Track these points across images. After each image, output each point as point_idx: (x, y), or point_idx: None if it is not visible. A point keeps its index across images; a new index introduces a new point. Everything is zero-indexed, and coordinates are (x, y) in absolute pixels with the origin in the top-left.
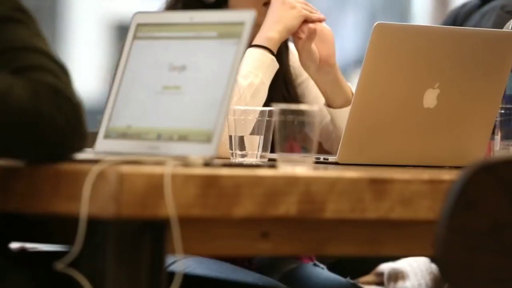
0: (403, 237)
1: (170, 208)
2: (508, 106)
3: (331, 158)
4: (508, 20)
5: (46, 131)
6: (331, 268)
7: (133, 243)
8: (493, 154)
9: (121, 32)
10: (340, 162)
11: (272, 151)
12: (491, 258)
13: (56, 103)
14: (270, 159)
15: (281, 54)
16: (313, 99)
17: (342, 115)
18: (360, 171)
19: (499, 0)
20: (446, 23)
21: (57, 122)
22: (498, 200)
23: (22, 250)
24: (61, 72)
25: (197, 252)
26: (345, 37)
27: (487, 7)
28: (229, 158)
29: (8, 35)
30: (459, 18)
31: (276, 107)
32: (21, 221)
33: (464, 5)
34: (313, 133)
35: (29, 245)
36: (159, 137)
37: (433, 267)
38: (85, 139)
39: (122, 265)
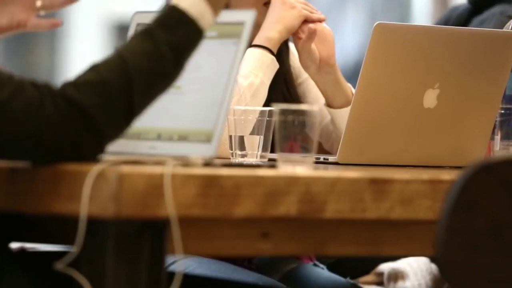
0: (403, 237)
1: (170, 208)
2: (508, 106)
3: (331, 158)
4: None
5: (41, 143)
6: (331, 268)
7: (133, 243)
8: (493, 154)
9: (121, 31)
10: (340, 162)
11: (272, 151)
12: (491, 258)
13: (60, 117)
14: (270, 159)
15: (281, 54)
16: (313, 99)
17: (342, 115)
18: (360, 171)
19: (496, 7)
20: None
21: (54, 136)
22: (498, 200)
23: (22, 250)
24: (114, 100)
25: (197, 252)
26: (345, 37)
27: (485, 15)
28: (229, 158)
29: (136, 50)
30: (450, 22)
31: (276, 107)
32: (21, 221)
33: (455, 9)
34: (313, 133)
35: (29, 245)
36: (159, 137)
37: (433, 267)
38: (83, 159)
39: (122, 265)
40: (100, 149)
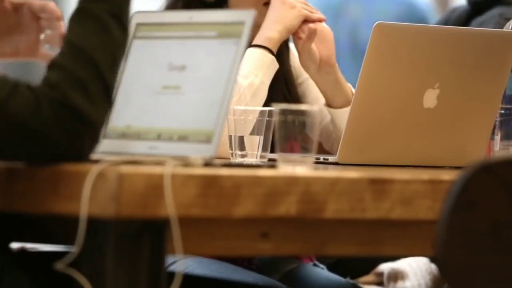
0: (403, 237)
1: (170, 208)
2: (508, 106)
3: (331, 158)
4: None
5: (39, 141)
6: (331, 268)
7: (133, 243)
8: (493, 154)
9: None
10: (340, 162)
11: (272, 151)
12: (491, 258)
13: (56, 115)
14: (270, 159)
15: (281, 54)
16: (313, 99)
17: (342, 115)
18: (360, 171)
19: (495, 9)
20: None
21: (51, 134)
22: (498, 200)
23: (22, 250)
24: (95, 89)
25: (197, 252)
26: None
27: (484, 17)
28: (229, 158)
29: (79, 30)
30: (449, 23)
31: (276, 107)
32: (21, 221)
33: (454, 10)
34: (313, 133)
35: (29, 245)
36: (159, 137)
37: (433, 267)
38: (82, 155)
39: (122, 265)
40: (97, 139)
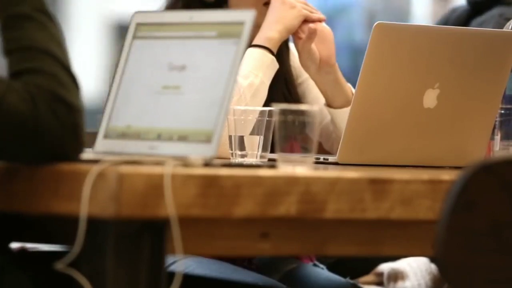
0: (403, 237)
1: (170, 208)
2: (508, 106)
3: (331, 158)
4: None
5: (39, 137)
6: (331, 268)
7: (133, 243)
8: (493, 154)
9: (121, 31)
10: (340, 162)
11: (272, 151)
12: (491, 258)
13: (52, 109)
14: (270, 159)
15: (281, 54)
16: (314, 99)
17: (342, 115)
18: (360, 171)
19: (495, 9)
20: None
21: (51, 127)
22: (498, 200)
23: (22, 250)
24: (66, 79)
25: (197, 252)
26: None
27: (484, 17)
28: (229, 158)
29: (22, 34)
30: (449, 23)
31: (276, 107)
32: (21, 221)
33: (454, 10)
34: (313, 133)
35: (29, 245)
36: (159, 137)
37: (433, 267)
38: (81, 145)
39: (122, 265)
40: (85, 125)
